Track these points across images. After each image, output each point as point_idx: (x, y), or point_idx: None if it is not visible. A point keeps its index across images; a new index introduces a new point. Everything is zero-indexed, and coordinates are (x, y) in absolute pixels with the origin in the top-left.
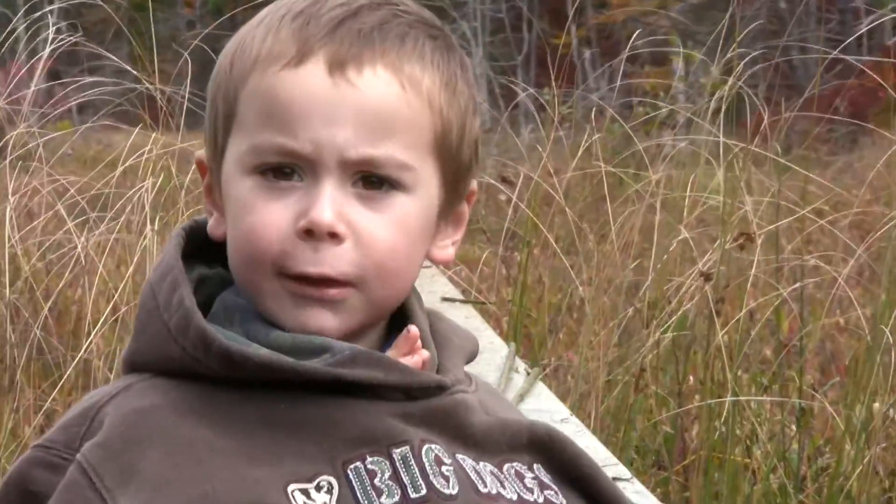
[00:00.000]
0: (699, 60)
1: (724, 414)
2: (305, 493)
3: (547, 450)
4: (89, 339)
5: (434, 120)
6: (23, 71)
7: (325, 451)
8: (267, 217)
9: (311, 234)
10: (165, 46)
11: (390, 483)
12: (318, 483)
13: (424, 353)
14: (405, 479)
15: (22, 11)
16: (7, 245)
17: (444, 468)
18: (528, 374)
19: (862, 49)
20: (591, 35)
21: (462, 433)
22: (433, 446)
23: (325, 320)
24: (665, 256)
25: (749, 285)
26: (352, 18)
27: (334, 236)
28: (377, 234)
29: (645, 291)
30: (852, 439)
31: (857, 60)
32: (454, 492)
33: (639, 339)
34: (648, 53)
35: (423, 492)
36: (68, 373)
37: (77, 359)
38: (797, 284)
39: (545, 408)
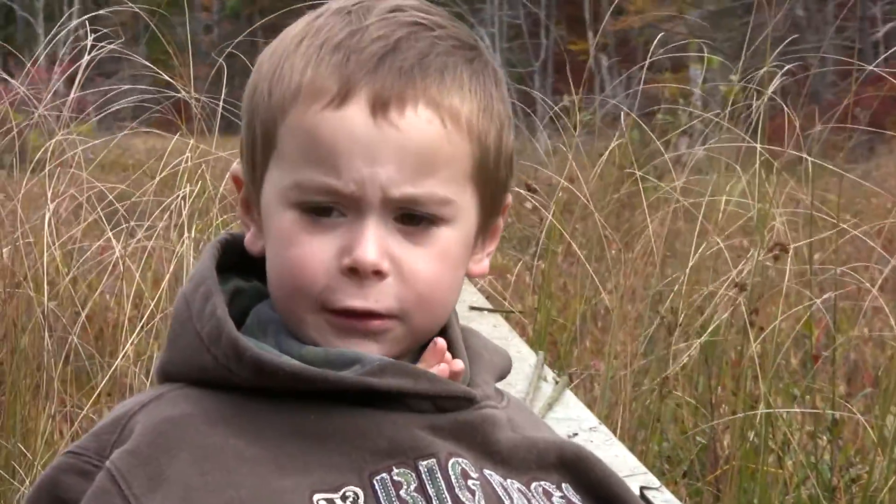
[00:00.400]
0: (718, 66)
1: (757, 425)
2: (330, 502)
3: (576, 469)
4: (124, 348)
5: (473, 148)
6: (62, 76)
7: (352, 462)
8: (310, 252)
9: (355, 271)
10: (184, 50)
11: (415, 495)
12: (344, 493)
13: (458, 364)
14: (430, 492)
15: (61, 21)
16: (46, 252)
17: (470, 482)
18: (557, 382)
19: (878, 56)
20: (608, 41)
21: (489, 449)
22: (460, 460)
23: (369, 350)
24: (690, 264)
25: (782, 296)
26: (392, 54)
27: (378, 273)
28: (419, 268)
29: (670, 300)
30: (884, 450)
31: (882, 70)
32: None
33: (664, 346)
34: (666, 60)
35: None
36: (104, 381)
37: (113, 367)
38: (827, 294)
39: (574, 416)
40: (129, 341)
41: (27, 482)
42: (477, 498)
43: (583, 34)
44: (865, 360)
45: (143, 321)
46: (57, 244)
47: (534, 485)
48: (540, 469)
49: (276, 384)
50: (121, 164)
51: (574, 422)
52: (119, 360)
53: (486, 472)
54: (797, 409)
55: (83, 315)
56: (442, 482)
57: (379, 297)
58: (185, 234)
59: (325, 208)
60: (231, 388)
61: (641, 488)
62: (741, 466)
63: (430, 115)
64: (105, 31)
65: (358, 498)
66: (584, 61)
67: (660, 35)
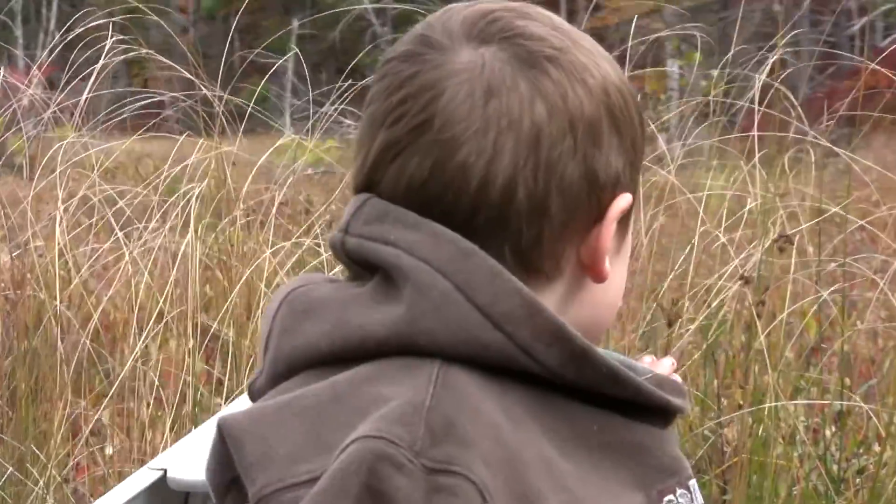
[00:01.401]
0: (696, 62)
1: (765, 419)
2: None
3: None
4: (135, 350)
5: None
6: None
7: (635, 478)
8: None
9: None
10: (162, 51)
11: None
12: None
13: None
14: None
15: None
16: (58, 256)
17: None
18: None
19: (854, 50)
20: None
21: None
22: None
23: None
24: (684, 259)
25: (787, 288)
26: None
27: None
28: None
29: (667, 293)
30: (889, 440)
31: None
32: None
33: (665, 338)
34: (643, 56)
35: None
36: (117, 382)
37: (125, 368)
38: (834, 287)
39: None
40: (141, 340)
41: (41, 483)
42: None
43: None
44: (859, 352)
45: (151, 322)
46: (68, 246)
47: None
48: None
49: (585, 380)
50: (122, 167)
51: None
52: (130, 361)
53: None
54: (803, 402)
55: (96, 317)
56: (701, 500)
57: None
58: (191, 232)
59: None
60: (504, 373)
61: None
62: (749, 459)
63: None
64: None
65: None
66: None
67: (636, 29)
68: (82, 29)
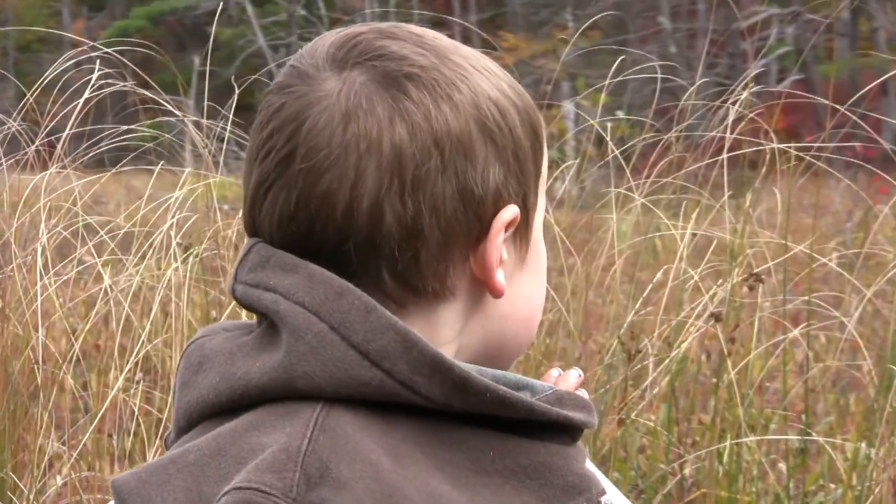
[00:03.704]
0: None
1: (723, 453)
2: None
3: None
4: (118, 381)
5: None
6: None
7: (542, 500)
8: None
9: None
10: (53, 87)
11: None
12: None
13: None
14: None
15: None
16: (39, 286)
17: None
18: None
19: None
20: None
21: None
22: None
23: None
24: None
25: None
26: None
27: None
28: None
29: (629, 327)
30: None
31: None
32: None
33: (625, 372)
34: (540, 96)
35: None
36: (100, 412)
37: (108, 399)
38: (799, 328)
39: None
40: (123, 371)
41: None
42: None
43: None
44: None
45: (135, 353)
46: (51, 276)
47: None
48: None
49: (471, 407)
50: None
51: None
52: (112, 390)
53: None
54: (770, 437)
55: (76, 347)
56: None
57: None
58: (174, 263)
59: None
60: (389, 408)
61: None
62: (708, 494)
63: None
64: None
65: None
66: None
67: (532, 70)
68: None
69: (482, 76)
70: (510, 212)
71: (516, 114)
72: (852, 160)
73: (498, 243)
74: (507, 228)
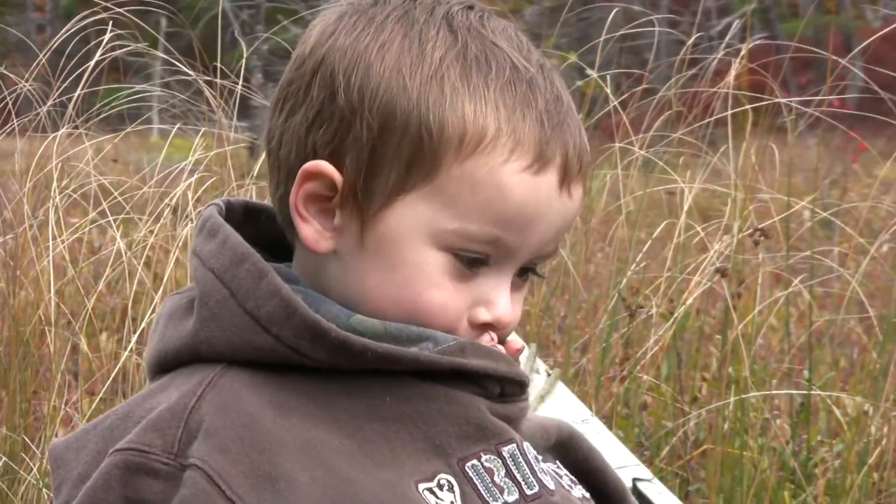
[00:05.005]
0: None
1: (731, 408)
2: (432, 491)
3: (565, 447)
4: (130, 342)
5: None
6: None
7: (436, 448)
8: (451, 300)
9: (489, 325)
10: (18, 49)
11: (507, 481)
12: (439, 481)
13: (519, 342)
14: (518, 477)
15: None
16: (52, 247)
17: (541, 465)
18: (549, 374)
19: (714, 51)
20: None
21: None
22: (530, 445)
23: None
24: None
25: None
26: (561, 111)
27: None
28: (518, 314)
29: (627, 283)
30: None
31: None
32: (553, 487)
33: (626, 329)
34: None
35: (536, 489)
36: (112, 374)
37: (120, 361)
38: (801, 276)
39: (566, 408)
40: (137, 332)
41: (34, 471)
42: (548, 480)
43: None
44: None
45: (147, 317)
46: (64, 237)
47: (545, 465)
48: (545, 451)
49: (356, 366)
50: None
51: (566, 414)
52: (125, 353)
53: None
54: (776, 392)
55: (89, 307)
56: (525, 467)
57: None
58: (189, 223)
59: (480, 260)
60: (284, 368)
61: (634, 480)
62: (713, 450)
63: (583, 184)
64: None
65: (453, 486)
66: None
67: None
68: None
69: (315, 30)
70: (314, 165)
71: (326, 72)
72: (854, 112)
73: (301, 192)
74: (308, 180)
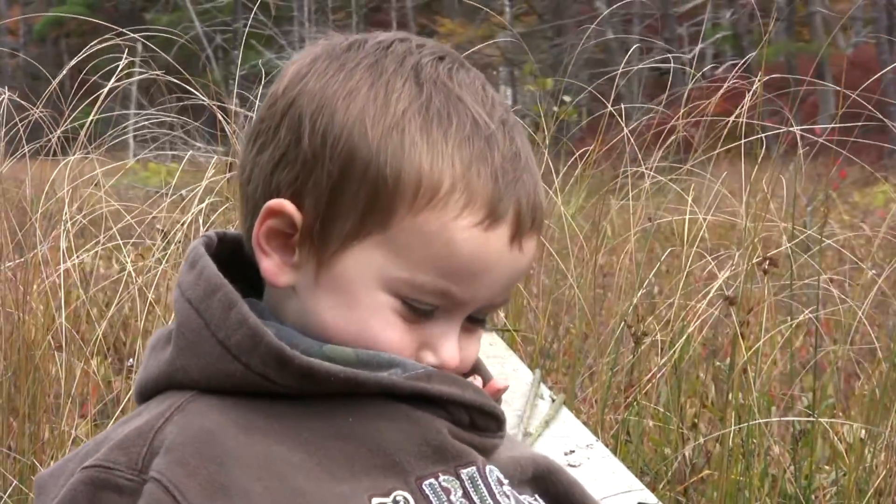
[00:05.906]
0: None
1: (731, 436)
2: None
3: (544, 482)
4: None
5: None
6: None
7: (395, 466)
8: (400, 341)
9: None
10: None
11: (464, 500)
12: (395, 498)
13: (503, 382)
14: (475, 498)
15: None
16: (63, 269)
17: (505, 488)
18: (553, 400)
19: (686, 78)
20: None
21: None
22: (494, 468)
23: None
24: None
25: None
26: (518, 167)
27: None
28: (471, 358)
29: (632, 311)
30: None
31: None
32: None
33: (630, 357)
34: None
35: None
36: (125, 400)
37: (132, 386)
38: (803, 311)
39: (571, 433)
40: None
41: None
42: (512, 501)
43: None
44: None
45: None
46: (75, 262)
47: (521, 497)
48: (521, 484)
49: (323, 390)
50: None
51: (571, 439)
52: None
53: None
54: (775, 418)
55: (99, 333)
56: (484, 489)
57: None
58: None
59: (428, 311)
60: (256, 394)
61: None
62: (713, 476)
63: (537, 237)
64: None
65: (409, 502)
66: None
67: (472, 55)
68: None
69: (288, 74)
70: (277, 203)
71: (294, 113)
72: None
73: (263, 227)
74: (270, 216)
